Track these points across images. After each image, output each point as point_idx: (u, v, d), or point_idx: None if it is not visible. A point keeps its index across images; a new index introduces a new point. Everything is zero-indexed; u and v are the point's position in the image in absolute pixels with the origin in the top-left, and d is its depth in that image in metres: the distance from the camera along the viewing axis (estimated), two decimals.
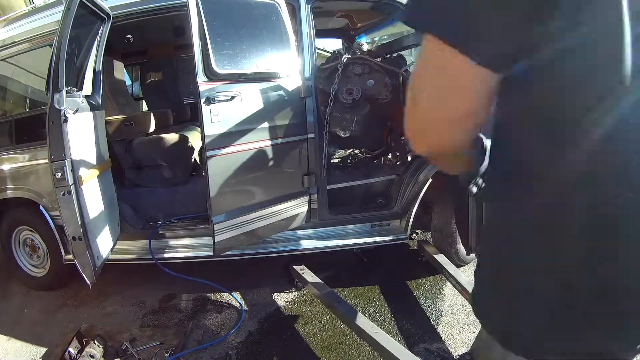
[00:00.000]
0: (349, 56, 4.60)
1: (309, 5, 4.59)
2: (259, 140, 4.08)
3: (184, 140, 5.68)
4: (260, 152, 4.10)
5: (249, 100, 3.96)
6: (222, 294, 4.75)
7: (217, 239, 4.00)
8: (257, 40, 4.23)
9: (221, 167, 3.90)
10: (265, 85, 4.13)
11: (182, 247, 4.84)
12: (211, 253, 4.40)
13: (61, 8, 3.83)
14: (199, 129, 6.32)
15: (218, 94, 3.77)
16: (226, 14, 4.04)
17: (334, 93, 4.45)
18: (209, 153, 3.77)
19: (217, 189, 3.91)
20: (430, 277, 4.89)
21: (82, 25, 4.06)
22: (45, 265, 4.97)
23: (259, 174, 4.23)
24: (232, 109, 3.87)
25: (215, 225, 3.94)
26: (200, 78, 3.72)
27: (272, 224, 4.42)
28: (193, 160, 5.96)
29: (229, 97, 3.82)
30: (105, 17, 4.40)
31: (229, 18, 4.06)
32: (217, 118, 3.77)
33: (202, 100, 3.69)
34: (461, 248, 4.83)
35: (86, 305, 4.71)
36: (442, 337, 3.93)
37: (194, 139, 6.01)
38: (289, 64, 4.25)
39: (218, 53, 3.78)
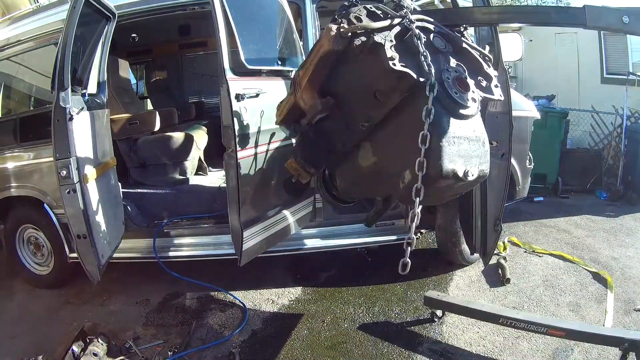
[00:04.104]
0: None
1: (314, 5, 4.58)
2: (280, 139, 4.04)
3: (189, 139, 5.68)
4: (282, 151, 4.04)
5: (269, 97, 3.84)
6: (228, 292, 4.75)
7: (245, 246, 3.79)
8: (275, 36, 4.24)
9: (252, 167, 3.76)
10: (282, 82, 4.10)
11: (187, 245, 4.85)
12: (215, 252, 4.42)
13: (66, 7, 3.82)
14: (204, 127, 6.35)
15: (246, 90, 3.63)
16: (248, 8, 4.03)
17: (435, 81, 2.22)
18: (241, 153, 3.58)
19: (247, 191, 3.75)
20: (434, 277, 4.92)
21: (87, 24, 4.07)
22: (49, 264, 4.97)
23: (280, 173, 4.08)
24: (258, 106, 3.75)
25: (244, 232, 3.73)
26: (229, 74, 3.55)
27: (293, 223, 4.41)
28: (198, 159, 5.97)
29: (255, 94, 3.72)
30: (111, 15, 4.40)
31: (250, 13, 4.05)
32: (247, 116, 3.61)
33: (232, 97, 3.49)
34: (465, 248, 4.84)
35: (90, 303, 4.71)
36: (446, 337, 3.93)
37: (199, 138, 6.01)
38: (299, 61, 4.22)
39: (245, 48, 3.66)
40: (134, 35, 7.36)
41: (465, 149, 2.30)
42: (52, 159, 3.76)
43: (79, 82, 4.04)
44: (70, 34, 3.65)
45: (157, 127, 5.71)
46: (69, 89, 3.66)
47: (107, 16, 4.38)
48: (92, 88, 4.34)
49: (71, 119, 3.67)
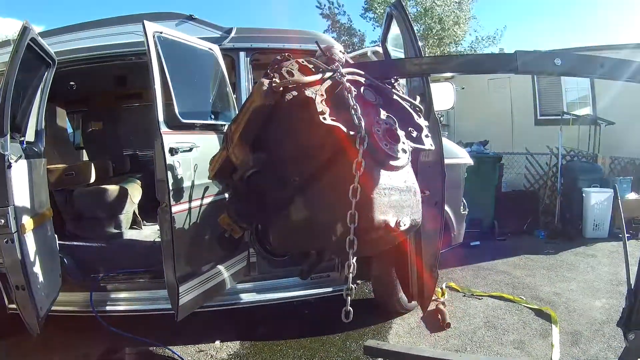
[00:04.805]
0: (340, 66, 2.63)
1: (248, 58, 4.69)
2: (214, 193, 4.06)
3: (123, 192, 5.70)
4: (215, 205, 4.05)
5: (202, 151, 3.88)
6: (167, 347, 4.64)
7: (181, 301, 3.79)
8: (209, 90, 4.28)
9: (186, 222, 3.77)
10: (215, 136, 4.15)
11: (123, 300, 4.75)
12: (152, 307, 4.44)
13: (7, 50, 3.79)
14: (139, 181, 6.30)
15: (180, 144, 3.69)
16: (183, 60, 4.08)
17: (365, 134, 2.24)
18: (175, 208, 3.62)
19: (182, 246, 3.75)
20: (372, 326, 4.94)
21: (27, 69, 4.02)
22: None
23: (214, 228, 4.09)
24: (192, 160, 3.80)
25: (180, 287, 3.74)
26: (163, 127, 3.61)
27: (228, 278, 4.41)
28: (132, 213, 5.92)
29: (189, 148, 3.77)
30: (51, 62, 4.39)
31: (186, 65, 4.09)
32: (180, 170, 3.66)
33: (166, 151, 3.56)
34: (402, 295, 4.89)
35: (29, 357, 4.52)
36: None
37: (133, 192, 6.02)
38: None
39: (180, 101, 3.71)
40: (72, 83, 7.27)
41: (397, 199, 2.35)
42: None
43: (17, 129, 3.97)
44: (12, 78, 3.64)
45: (93, 179, 5.66)
46: (8, 136, 3.61)
47: (47, 62, 4.37)
48: (30, 136, 4.27)
49: (9, 166, 3.61)
